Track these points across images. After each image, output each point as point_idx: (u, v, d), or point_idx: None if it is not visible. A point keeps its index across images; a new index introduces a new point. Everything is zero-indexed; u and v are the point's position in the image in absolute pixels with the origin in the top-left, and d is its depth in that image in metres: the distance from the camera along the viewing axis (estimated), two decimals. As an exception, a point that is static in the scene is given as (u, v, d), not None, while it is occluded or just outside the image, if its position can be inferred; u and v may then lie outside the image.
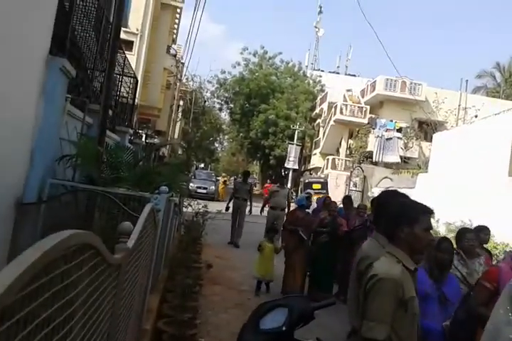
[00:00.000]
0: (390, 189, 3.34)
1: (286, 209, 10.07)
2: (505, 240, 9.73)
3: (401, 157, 23.46)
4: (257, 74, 34.65)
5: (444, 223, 11.69)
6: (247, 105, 35.11)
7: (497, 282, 2.96)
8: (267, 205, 10.36)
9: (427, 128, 23.83)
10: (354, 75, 36.48)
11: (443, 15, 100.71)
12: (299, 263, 6.67)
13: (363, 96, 27.92)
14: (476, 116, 20.94)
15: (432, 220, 2.28)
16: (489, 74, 37.69)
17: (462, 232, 4.26)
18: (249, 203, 10.55)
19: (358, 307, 2.21)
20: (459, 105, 24.09)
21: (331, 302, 2.73)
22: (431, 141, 18.68)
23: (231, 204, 10.55)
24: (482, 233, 4.96)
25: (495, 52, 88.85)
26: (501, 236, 9.85)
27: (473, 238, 4.20)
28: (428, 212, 2.23)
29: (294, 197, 10.95)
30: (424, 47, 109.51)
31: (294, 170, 31.52)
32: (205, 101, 36.66)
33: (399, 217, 2.17)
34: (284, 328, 2.36)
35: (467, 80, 25.65)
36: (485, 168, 11.80)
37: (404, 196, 2.67)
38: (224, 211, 9.95)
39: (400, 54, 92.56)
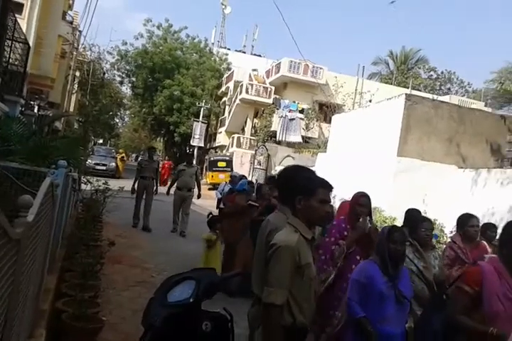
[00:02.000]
0: (296, 165, 3.39)
1: (196, 190, 9.69)
2: (392, 215, 10.67)
3: (302, 137, 24.39)
4: (161, 47, 33.43)
5: (340, 199, 12.46)
6: (150, 79, 33.84)
7: (480, 285, 2.38)
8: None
9: (326, 110, 24.98)
10: (260, 55, 36.79)
11: (348, 3, 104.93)
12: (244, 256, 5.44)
13: (268, 77, 28.33)
14: (370, 101, 22.37)
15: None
16: (383, 62, 40.32)
17: (417, 221, 3.92)
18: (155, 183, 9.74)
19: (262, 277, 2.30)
20: (356, 90, 25.52)
21: (236, 273, 2.81)
22: (330, 122, 19.64)
23: (136, 185, 9.68)
24: (489, 230, 4.57)
25: (389, 41, 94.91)
26: (390, 212, 10.79)
27: (430, 227, 3.84)
28: (326, 186, 2.37)
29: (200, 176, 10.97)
30: (327, 32, 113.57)
31: (200, 148, 31.34)
32: (104, 73, 34.59)
33: (297, 188, 2.30)
34: (191, 300, 2.39)
35: (364, 66, 27.24)
36: (377, 149, 12.73)
37: (309, 170, 2.78)
38: (131, 194, 9.46)
39: (304, 37, 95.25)
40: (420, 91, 29.70)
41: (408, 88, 26.81)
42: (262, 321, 2.09)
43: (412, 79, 31.91)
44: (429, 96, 19.22)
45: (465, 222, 4.11)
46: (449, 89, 39.58)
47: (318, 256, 3.60)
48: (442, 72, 40.31)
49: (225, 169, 23.57)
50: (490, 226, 4.70)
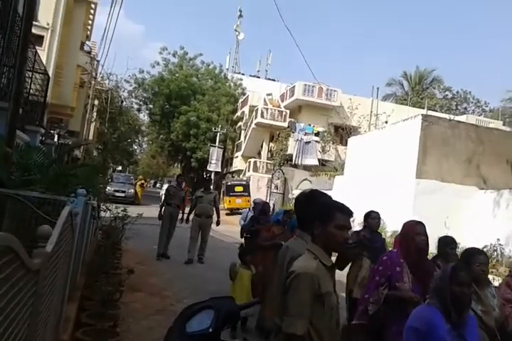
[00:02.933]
0: (311, 188, 3.30)
1: (216, 217, 9.42)
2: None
3: (319, 160, 24.35)
4: (177, 74, 34.20)
5: (358, 223, 12.30)
6: (167, 106, 34.50)
7: None
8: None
9: (342, 133, 24.96)
10: (274, 80, 37.30)
11: (359, 25, 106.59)
12: None
13: (282, 101, 28.61)
14: (386, 122, 22.33)
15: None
16: (398, 83, 40.46)
17: (470, 254, 3.27)
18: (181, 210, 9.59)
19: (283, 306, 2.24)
20: (371, 111, 25.57)
21: (256, 301, 2.76)
22: (346, 144, 19.62)
23: (163, 212, 9.36)
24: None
25: (403, 62, 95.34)
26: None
27: (486, 262, 3.21)
28: (344, 211, 2.31)
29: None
30: (339, 54, 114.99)
31: (216, 173, 31.50)
32: (122, 101, 35.40)
33: (314, 214, 2.28)
34: (210, 330, 2.34)
35: (378, 88, 27.38)
36: (395, 171, 12.62)
37: (326, 195, 2.76)
38: (158, 220, 9.29)
39: (317, 61, 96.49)
40: (436, 111, 29.58)
41: (424, 108, 26.74)
42: None
43: (427, 100, 31.87)
44: (446, 116, 19.09)
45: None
46: (465, 108, 39.35)
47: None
48: (458, 92, 40.21)
49: (242, 194, 23.56)
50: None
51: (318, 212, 2.28)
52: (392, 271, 3.23)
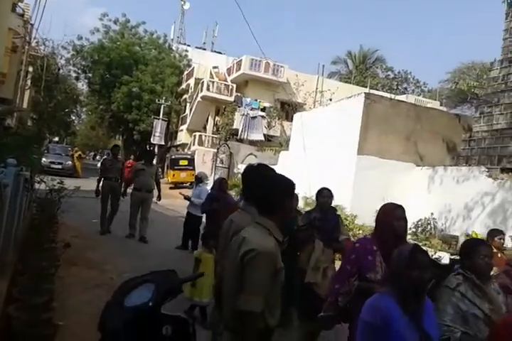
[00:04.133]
0: (259, 163, 3.22)
1: (156, 191, 9.05)
2: (354, 212, 10.82)
3: (265, 135, 24.46)
4: (118, 43, 32.62)
5: (302, 197, 12.55)
6: (107, 75, 32.94)
7: None
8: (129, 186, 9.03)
9: (288, 109, 25.17)
10: (220, 53, 36.58)
11: (308, 1, 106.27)
12: None
13: (229, 75, 28.21)
14: (330, 99, 22.68)
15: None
16: (343, 61, 41.04)
17: (472, 245, 2.85)
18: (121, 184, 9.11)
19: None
20: (317, 88, 25.84)
21: (198, 274, 2.72)
22: (292, 120, 19.79)
23: (101, 187, 8.95)
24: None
25: (348, 41, 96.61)
26: (351, 210, 10.92)
27: (490, 253, 2.77)
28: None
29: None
30: (287, 30, 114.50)
31: (160, 146, 30.86)
32: (59, 69, 33.39)
33: (280, 189, 2.23)
34: (150, 303, 2.29)
35: (324, 65, 27.68)
36: (338, 147, 12.90)
37: (273, 170, 2.75)
38: (95, 196, 8.87)
39: (264, 36, 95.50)
40: (378, 90, 30.36)
41: (367, 87, 27.37)
42: (240, 329, 1.98)
43: (370, 79, 32.57)
44: (387, 95, 19.65)
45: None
46: (405, 88, 40.70)
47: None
48: (399, 72, 41.44)
49: (187, 167, 23.36)
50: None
51: (286, 188, 2.26)
52: (363, 259, 2.94)
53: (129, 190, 9.09)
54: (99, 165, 17.47)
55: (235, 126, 25.27)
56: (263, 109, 25.16)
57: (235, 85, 26.83)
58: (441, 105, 26.91)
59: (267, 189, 2.23)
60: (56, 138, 45.76)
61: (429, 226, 10.16)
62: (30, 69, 28.03)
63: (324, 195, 4.71)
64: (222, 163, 23.06)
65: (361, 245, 3.05)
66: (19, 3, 22.20)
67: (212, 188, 7.73)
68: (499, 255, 4.47)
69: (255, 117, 24.46)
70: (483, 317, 2.54)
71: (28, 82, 28.16)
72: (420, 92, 39.20)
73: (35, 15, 20.00)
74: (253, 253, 2.01)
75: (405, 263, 2.18)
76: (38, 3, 26.02)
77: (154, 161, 10.33)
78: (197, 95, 28.28)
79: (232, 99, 26.36)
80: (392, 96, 21.21)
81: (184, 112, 32.69)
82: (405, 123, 12.75)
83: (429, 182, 11.26)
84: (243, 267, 2.02)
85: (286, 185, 2.29)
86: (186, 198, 8.66)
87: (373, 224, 10.35)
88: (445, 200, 10.25)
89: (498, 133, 11.34)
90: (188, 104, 31.70)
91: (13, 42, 21.16)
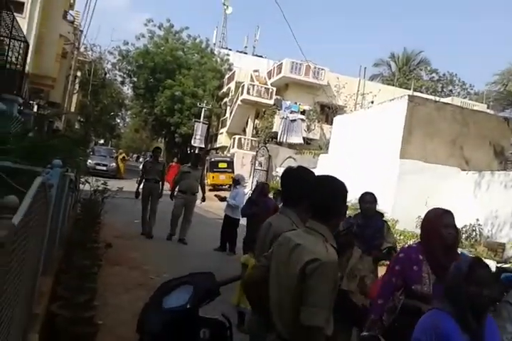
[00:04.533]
0: (299, 165, 3.11)
1: (200, 193, 9.09)
2: (395, 217, 10.54)
3: (304, 138, 24.30)
4: (162, 48, 33.40)
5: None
6: (151, 80, 33.78)
7: None
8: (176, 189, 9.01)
9: (328, 112, 24.92)
10: (261, 56, 36.73)
11: (350, 4, 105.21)
12: None
13: (269, 78, 28.25)
14: (372, 102, 22.28)
15: None
16: (385, 63, 40.30)
17: None
18: (161, 186, 9.16)
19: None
20: (358, 91, 25.45)
21: (236, 277, 2.71)
22: (332, 123, 19.57)
23: (141, 188, 9.11)
24: None
25: (391, 43, 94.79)
26: (392, 214, 10.65)
27: None
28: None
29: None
30: (329, 33, 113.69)
31: (201, 149, 31.27)
32: (105, 74, 34.55)
33: (336, 194, 2.11)
34: (188, 306, 2.29)
35: (365, 68, 27.19)
36: (379, 150, 12.63)
37: (312, 173, 2.69)
38: (135, 198, 9.00)
39: (306, 38, 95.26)
40: (422, 93, 29.60)
41: (410, 90, 26.72)
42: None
43: (413, 81, 31.83)
44: (432, 98, 19.09)
45: None
46: (450, 91, 39.51)
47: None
48: (444, 74, 40.30)
49: (226, 170, 23.52)
50: None
51: (342, 192, 2.13)
52: (408, 270, 2.67)
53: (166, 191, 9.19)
54: (140, 167, 17.88)
55: (274, 129, 25.25)
56: (303, 112, 25.01)
57: (275, 88, 26.84)
58: (488, 108, 25.92)
59: (326, 193, 2.09)
60: (101, 141, 47.29)
61: (474, 233, 9.77)
62: (79, 74, 29.14)
63: (367, 201, 4.49)
64: (261, 165, 23.07)
65: (406, 255, 2.78)
66: (70, 11, 23.11)
67: (253, 192, 7.69)
68: None
69: (295, 120, 24.34)
70: None
71: (76, 86, 29.29)
72: (466, 95, 37.96)
73: (84, 21, 20.76)
74: (317, 263, 1.88)
75: (463, 278, 1.97)
76: (87, 10, 26.99)
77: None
78: (237, 98, 28.47)
79: (272, 102, 26.36)
80: (437, 98, 20.62)
81: (224, 115, 33.00)
82: (451, 127, 12.33)
83: (475, 187, 10.83)
84: (303, 277, 1.90)
85: (344, 189, 2.16)
86: (221, 199, 8.71)
87: (415, 230, 10.13)
88: (492, 206, 9.83)
89: (550, 137, 10.79)
90: (228, 108, 31.98)
91: (64, 49, 22.03)
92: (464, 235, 9.63)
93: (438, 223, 2.68)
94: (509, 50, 73.53)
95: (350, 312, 3.64)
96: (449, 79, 40.45)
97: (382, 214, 4.58)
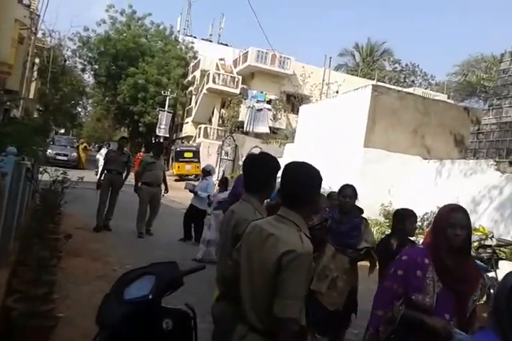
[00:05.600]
0: (261, 151, 3.02)
1: (163, 185, 8.77)
2: (360, 205, 10.70)
3: (270, 128, 24.34)
4: (124, 34, 32.48)
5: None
6: (113, 67, 32.87)
7: None
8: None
9: (294, 101, 25.03)
10: (227, 45, 36.33)
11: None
12: None
13: (235, 67, 28.03)
14: (337, 92, 22.49)
15: None
16: (349, 54, 40.69)
17: None
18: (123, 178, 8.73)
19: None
20: (323, 80, 25.62)
21: (200, 267, 2.65)
22: (297, 113, 19.64)
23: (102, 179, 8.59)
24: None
25: (355, 33, 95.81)
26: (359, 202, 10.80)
27: None
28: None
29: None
30: (294, 22, 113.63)
31: (165, 139, 30.83)
32: (65, 60, 33.34)
33: (311, 181, 2.04)
34: (150, 296, 2.22)
35: (330, 57, 27.41)
36: (344, 139, 12.77)
37: (275, 159, 2.64)
38: (96, 189, 8.52)
39: (271, 27, 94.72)
40: (385, 83, 30.07)
41: (374, 80, 27.10)
42: (283, 337, 1.83)
43: (377, 71, 32.29)
44: (394, 88, 19.44)
45: None
46: (412, 81, 40.32)
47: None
48: (406, 65, 41.06)
49: (192, 160, 23.35)
50: None
51: (317, 180, 2.06)
52: (411, 276, 2.29)
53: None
54: (98, 156, 17.42)
55: (240, 119, 25.16)
56: (269, 102, 25.00)
57: (241, 77, 26.66)
58: (448, 98, 26.62)
59: (301, 180, 2.01)
60: (62, 130, 45.88)
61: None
62: (37, 60, 27.96)
63: (346, 194, 3.99)
64: (228, 155, 22.98)
65: (410, 258, 2.36)
66: (25, -6, 22.08)
67: (237, 185, 7.51)
68: None
69: (261, 109, 24.32)
70: None
71: (35, 73, 28.12)
72: (428, 85, 38.82)
73: (42, 6, 19.89)
74: (293, 254, 1.82)
75: (506, 298, 1.66)
76: (44, -7, 25.84)
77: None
78: (203, 87, 28.14)
79: (238, 91, 26.21)
80: (400, 88, 21.01)
81: (190, 104, 32.59)
82: (413, 116, 12.58)
83: (436, 175, 11.12)
84: (279, 269, 1.84)
85: (319, 177, 2.08)
86: (192, 192, 8.55)
87: (378, 218, 10.32)
88: (452, 194, 10.11)
89: (507, 126, 11.15)
90: (193, 96, 31.58)
91: (20, 34, 21.04)
92: (425, 222, 9.89)
93: (444, 222, 2.29)
94: (469, 41, 75.64)
95: (318, 314, 3.47)
96: (411, 70, 41.26)
97: (361, 210, 4.14)
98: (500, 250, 7.21)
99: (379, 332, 2.32)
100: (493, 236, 7.84)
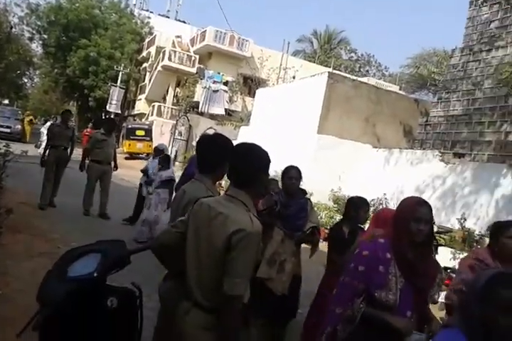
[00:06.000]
0: (216, 132, 3.00)
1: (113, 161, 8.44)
2: (310, 190, 10.89)
3: (226, 109, 24.15)
4: (77, 4, 30.80)
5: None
6: (64, 38, 31.22)
7: None
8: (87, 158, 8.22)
9: (251, 84, 24.93)
10: (184, 22, 35.40)
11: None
12: None
13: (192, 45, 27.41)
14: (294, 77, 22.58)
15: None
16: (308, 40, 40.79)
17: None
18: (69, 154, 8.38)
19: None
20: (281, 65, 25.61)
21: (147, 246, 2.61)
22: (254, 96, 19.59)
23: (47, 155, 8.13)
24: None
25: (314, 19, 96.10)
26: (308, 188, 10.99)
27: None
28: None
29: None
30: (253, 5, 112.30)
31: (117, 115, 29.89)
32: (11, 28, 31.40)
33: (259, 162, 2.07)
34: (95, 274, 2.16)
35: (289, 42, 27.37)
36: (299, 125, 12.90)
37: (229, 140, 2.62)
38: (40, 166, 8.05)
39: (230, 7, 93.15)
40: (341, 71, 30.47)
41: (330, 67, 27.39)
42: (227, 315, 1.86)
43: (334, 59, 32.61)
44: (350, 77, 19.76)
45: (500, 230, 2.79)
46: (367, 71, 41.08)
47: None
48: (362, 55, 41.72)
49: (143, 138, 22.88)
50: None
51: (266, 162, 2.09)
52: (373, 271, 2.17)
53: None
54: (42, 129, 16.60)
55: (195, 99, 24.77)
56: (225, 83, 24.73)
57: (197, 56, 26.14)
58: (400, 89, 27.39)
59: (250, 161, 2.04)
60: (6, 101, 43.50)
61: (380, 206, 10.42)
62: (-21, 25, 26.18)
63: (291, 176, 3.89)
64: (181, 135, 22.67)
65: (371, 253, 2.22)
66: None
67: (190, 165, 7.31)
68: None
69: (217, 91, 24.03)
70: None
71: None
72: (381, 76, 39.70)
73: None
74: (242, 233, 1.84)
75: (477, 298, 1.56)
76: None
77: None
78: (157, 64, 27.39)
79: (194, 70, 25.72)
80: (355, 77, 21.37)
81: (143, 81, 31.69)
82: (366, 105, 12.87)
83: (384, 163, 11.48)
84: (228, 247, 1.86)
85: (267, 158, 2.11)
86: (144, 172, 8.24)
87: (327, 203, 10.51)
88: (398, 182, 10.51)
89: (454, 119, 11.65)
90: (147, 73, 30.71)
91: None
92: (372, 208, 10.23)
93: (409, 215, 2.18)
94: (424, 36, 77.77)
95: (267, 301, 3.46)
96: (366, 60, 41.99)
97: (305, 192, 4.08)
98: (440, 237, 7.63)
99: (337, 331, 2.20)
100: (434, 224, 8.24)
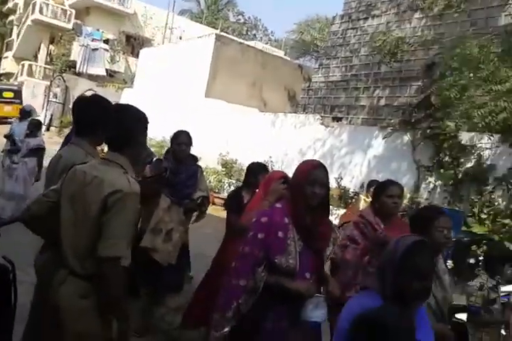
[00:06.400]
0: (93, 94, 2.82)
1: None
2: (199, 154, 10.86)
3: (107, 70, 22.72)
4: None
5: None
6: None
7: None
8: None
9: (134, 43, 23.66)
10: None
11: None
12: None
13: (64, -2, 24.94)
14: (180, 38, 21.86)
15: None
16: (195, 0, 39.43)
17: (430, 217, 2.44)
18: None
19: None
20: (166, 24, 24.55)
21: (18, 218, 2.40)
22: (138, 56, 18.65)
23: None
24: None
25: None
26: (197, 150, 10.93)
27: (449, 225, 2.40)
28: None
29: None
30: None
31: (-22, 74, 26.54)
32: None
33: (136, 123, 2.03)
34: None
35: (175, 0, 26.21)
36: (186, 88, 12.63)
37: (109, 102, 2.48)
38: None
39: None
40: (229, 34, 30.18)
41: (217, 29, 26.94)
42: (107, 278, 1.78)
43: (221, 21, 32.09)
44: (237, 40, 19.68)
45: (381, 189, 2.97)
46: (254, 35, 41.18)
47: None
48: (249, 18, 41.57)
49: (12, 100, 20.62)
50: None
51: (143, 124, 2.04)
52: (272, 238, 2.13)
53: None
54: None
55: (72, 58, 22.84)
56: (106, 41, 23.12)
57: (74, 11, 23.90)
58: (285, 55, 28.04)
59: (126, 122, 1.98)
60: None
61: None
62: None
63: (181, 142, 3.70)
64: (56, 97, 20.94)
65: (269, 219, 2.18)
66: None
67: (71, 132, 6.54)
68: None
69: (96, 49, 22.38)
70: (434, 308, 2.28)
71: None
72: (268, 41, 40.15)
73: None
74: (119, 194, 1.80)
75: (394, 266, 1.67)
76: None
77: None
78: (27, 18, 24.56)
79: (70, 26, 23.56)
80: (242, 41, 21.33)
81: (10, 36, 28.34)
82: (253, 69, 12.98)
83: (270, 127, 11.82)
84: (104, 210, 1.80)
85: (144, 119, 2.06)
86: (7, 138, 7.36)
87: (216, 167, 10.58)
88: (283, 145, 10.93)
89: (333, 85, 12.29)
90: (15, 28, 27.48)
91: None
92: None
93: (304, 179, 2.16)
94: (309, 1, 79.53)
95: (151, 272, 3.42)
96: (253, 24, 41.97)
97: (196, 158, 3.92)
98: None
99: (239, 306, 2.10)
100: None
